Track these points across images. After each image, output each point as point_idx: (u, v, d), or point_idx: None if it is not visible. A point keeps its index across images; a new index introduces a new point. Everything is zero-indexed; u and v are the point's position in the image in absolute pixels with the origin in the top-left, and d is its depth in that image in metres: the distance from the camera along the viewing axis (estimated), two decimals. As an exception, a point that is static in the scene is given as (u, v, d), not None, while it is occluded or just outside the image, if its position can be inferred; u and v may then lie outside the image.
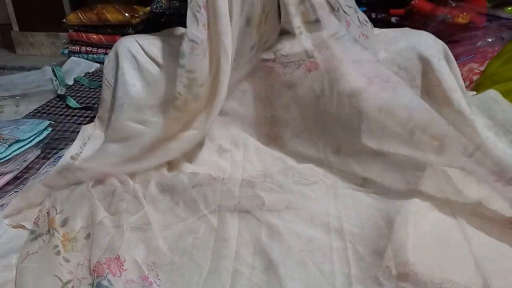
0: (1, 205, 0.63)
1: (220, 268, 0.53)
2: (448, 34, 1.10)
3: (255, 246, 0.57)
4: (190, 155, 0.78)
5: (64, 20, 1.59)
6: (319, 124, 0.74)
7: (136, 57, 0.80)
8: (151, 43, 0.82)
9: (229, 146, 0.82)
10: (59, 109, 1.11)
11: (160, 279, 0.52)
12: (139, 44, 0.81)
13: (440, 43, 0.76)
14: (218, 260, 0.54)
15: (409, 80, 0.74)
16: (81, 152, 0.80)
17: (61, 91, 1.22)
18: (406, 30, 0.79)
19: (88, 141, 0.84)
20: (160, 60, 0.81)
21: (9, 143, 0.72)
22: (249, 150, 0.81)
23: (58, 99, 1.19)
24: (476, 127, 0.70)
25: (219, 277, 0.51)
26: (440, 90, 0.72)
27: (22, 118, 1.03)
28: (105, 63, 0.83)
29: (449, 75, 0.72)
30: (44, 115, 1.07)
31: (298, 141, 0.80)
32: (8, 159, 0.72)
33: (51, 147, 0.87)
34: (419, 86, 0.74)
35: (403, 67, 0.74)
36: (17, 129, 0.78)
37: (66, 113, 1.08)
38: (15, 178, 0.74)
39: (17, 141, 0.74)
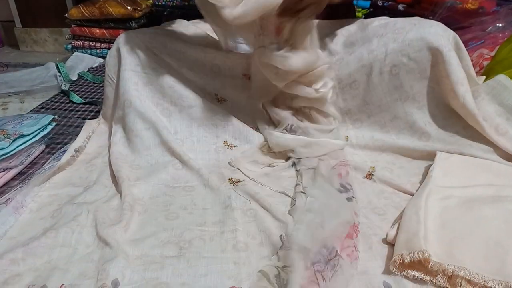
0: (7, 200, 0.62)
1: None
2: (457, 21, 1.08)
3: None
4: (196, 152, 0.78)
5: (66, 15, 1.59)
6: None
7: (138, 53, 0.79)
8: (153, 37, 0.81)
9: (234, 142, 0.81)
10: (63, 104, 1.11)
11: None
12: (140, 39, 0.80)
13: (450, 33, 0.74)
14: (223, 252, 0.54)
15: (419, 71, 0.73)
16: (85, 146, 0.80)
17: (65, 86, 1.22)
18: (416, 19, 0.77)
19: (92, 135, 0.83)
20: (162, 54, 0.81)
21: (13, 138, 0.72)
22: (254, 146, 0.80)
23: (62, 94, 1.19)
24: (480, 122, 0.69)
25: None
26: (447, 81, 0.71)
27: (26, 113, 1.02)
28: (107, 59, 0.83)
29: (458, 67, 0.70)
30: (48, 110, 1.06)
31: None
32: (13, 154, 0.71)
33: (56, 141, 0.86)
34: (430, 77, 0.73)
35: (413, 58, 0.73)
36: (21, 124, 0.78)
37: (70, 108, 1.08)
38: (20, 173, 0.74)
39: (21, 136, 0.74)
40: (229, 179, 0.71)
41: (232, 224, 0.59)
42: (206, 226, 0.59)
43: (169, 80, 0.80)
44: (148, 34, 0.81)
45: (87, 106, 1.09)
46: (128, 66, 0.78)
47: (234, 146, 0.80)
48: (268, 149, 0.78)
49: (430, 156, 0.71)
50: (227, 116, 0.83)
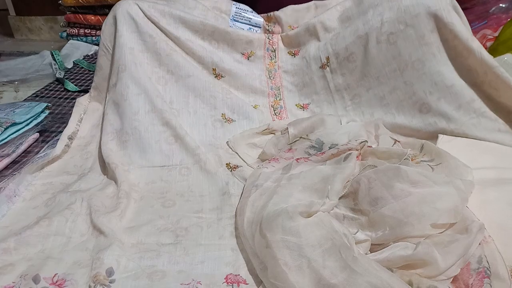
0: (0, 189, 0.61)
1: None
2: (459, 1, 1.05)
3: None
4: (192, 125, 0.76)
5: (60, 1, 1.55)
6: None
7: (136, 20, 0.77)
8: (151, 6, 0.78)
9: (232, 116, 0.79)
10: (58, 93, 1.09)
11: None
12: (138, 6, 0.77)
13: None
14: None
15: (418, 38, 0.70)
16: (78, 130, 0.78)
17: (60, 74, 1.20)
18: None
19: (84, 116, 0.81)
20: (161, 22, 0.78)
21: (5, 126, 0.70)
22: (253, 123, 0.79)
23: (57, 82, 1.17)
24: (503, 75, 0.65)
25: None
26: (457, 42, 0.68)
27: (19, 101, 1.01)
28: (103, 28, 0.80)
29: (462, 26, 0.68)
30: (43, 98, 1.05)
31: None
32: (5, 142, 0.70)
33: (50, 130, 0.84)
34: (430, 43, 0.70)
35: (410, 24, 0.70)
36: (13, 112, 0.76)
37: (65, 96, 1.06)
38: (14, 162, 0.72)
39: (14, 124, 0.72)
40: (226, 164, 0.69)
41: (230, 211, 0.58)
42: (203, 213, 0.58)
43: (166, 48, 0.78)
44: (146, 2, 0.79)
45: (82, 94, 1.07)
46: (124, 32, 0.76)
47: (232, 121, 0.78)
48: (268, 131, 0.76)
49: (431, 137, 0.69)
50: (225, 89, 0.81)
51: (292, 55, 0.86)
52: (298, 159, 0.61)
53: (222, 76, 0.82)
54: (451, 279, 0.43)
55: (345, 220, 0.51)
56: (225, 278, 0.47)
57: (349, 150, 0.59)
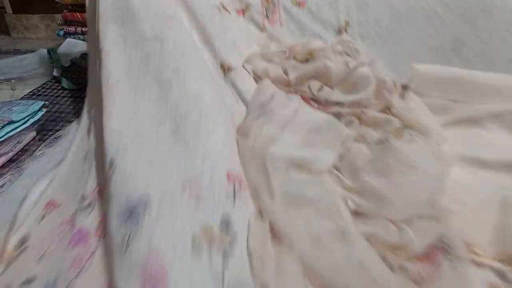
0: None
1: None
2: None
3: None
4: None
5: (57, -1, 1.54)
6: None
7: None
8: None
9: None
10: (55, 91, 1.09)
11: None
12: None
13: None
14: None
15: None
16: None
17: (57, 72, 1.19)
18: None
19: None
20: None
21: (1, 125, 0.70)
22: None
23: (54, 81, 1.17)
24: None
25: None
26: None
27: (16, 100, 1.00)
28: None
29: None
30: (40, 97, 1.04)
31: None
32: (2, 141, 0.69)
33: (47, 128, 0.84)
34: None
35: None
36: (10, 110, 0.76)
37: (62, 95, 1.06)
38: (10, 160, 0.72)
39: (10, 122, 0.72)
40: (221, 64, 0.66)
41: None
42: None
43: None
44: None
45: (79, 92, 1.07)
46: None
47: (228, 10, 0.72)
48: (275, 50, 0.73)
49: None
50: None
51: None
52: (303, 97, 0.63)
53: None
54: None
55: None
56: (226, 175, 0.45)
57: (351, 116, 0.61)
